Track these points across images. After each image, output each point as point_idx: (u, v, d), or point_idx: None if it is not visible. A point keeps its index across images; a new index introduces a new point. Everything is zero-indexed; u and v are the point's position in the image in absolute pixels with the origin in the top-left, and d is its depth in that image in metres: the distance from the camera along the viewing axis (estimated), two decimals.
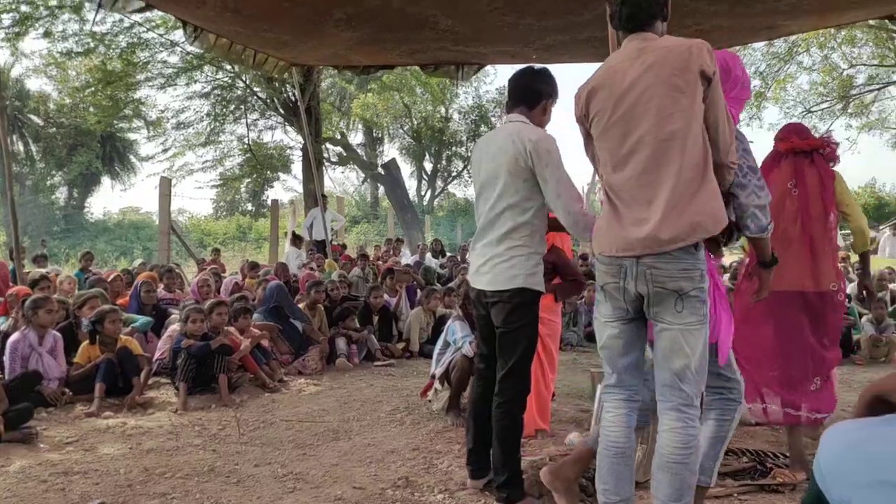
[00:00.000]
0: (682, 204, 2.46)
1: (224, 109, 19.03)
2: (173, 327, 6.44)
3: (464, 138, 33.55)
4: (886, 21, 6.66)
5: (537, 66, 3.48)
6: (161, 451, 4.36)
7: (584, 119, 2.78)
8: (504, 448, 3.29)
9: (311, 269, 10.68)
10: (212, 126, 19.40)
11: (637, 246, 2.52)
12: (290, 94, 15.60)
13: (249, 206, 34.21)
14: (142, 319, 6.88)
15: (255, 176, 23.33)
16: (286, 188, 46.30)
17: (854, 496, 0.99)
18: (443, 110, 32.22)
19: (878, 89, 23.69)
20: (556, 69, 3.90)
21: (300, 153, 18.22)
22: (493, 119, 32.68)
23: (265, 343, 6.64)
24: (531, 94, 3.34)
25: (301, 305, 7.59)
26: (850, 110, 23.63)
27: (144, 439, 4.64)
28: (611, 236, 2.63)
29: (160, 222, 13.60)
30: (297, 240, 13.21)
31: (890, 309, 8.19)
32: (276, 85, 15.46)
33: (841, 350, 7.56)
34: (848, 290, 8.43)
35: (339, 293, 8.19)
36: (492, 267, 3.26)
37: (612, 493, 2.70)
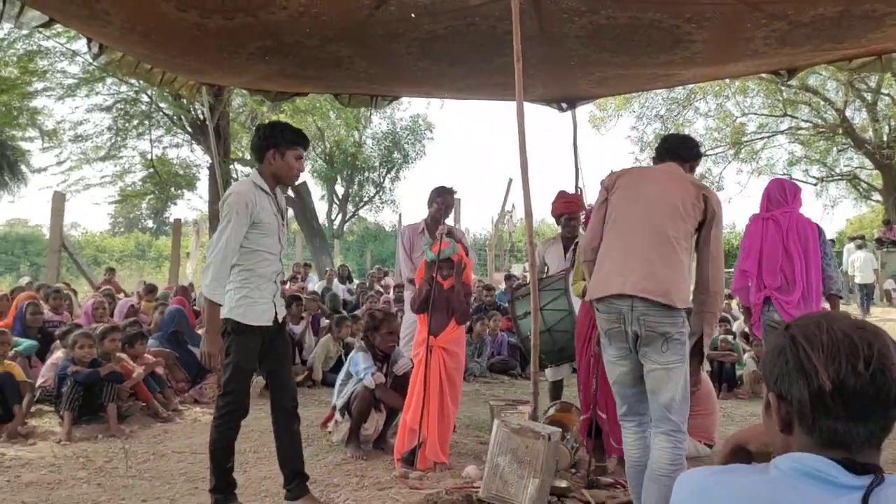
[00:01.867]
0: None
1: (127, 124, 18.33)
2: (58, 353, 6.12)
3: (377, 164, 33.65)
4: (774, 75, 7.17)
5: None
6: (41, 485, 4.12)
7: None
8: (213, 458, 3.64)
9: None
10: (113, 140, 18.63)
11: None
12: (199, 112, 15.25)
13: (150, 224, 32.97)
14: (25, 343, 6.50)
15: (157, 193, 22.51)
16: (191, 207, 44.87)
17: None
18: (356, 135, 32.24)
19: (768, 137, 25.42)
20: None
21: (207, 171, 17.76)
22: (405, 146, 32.98)
23: (160, 370, 6.40)
24: None
25: (202, 331, 7.35)
26: (741, 156, 25.19)
27: (24, 471, 4.38)
28: None
29: (51, 239, 12.91)
30: None
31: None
32: (184, 102, 15.07)
33: (726, 385, 8.07)
34: (733, 328, 8.95)
35: None
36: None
37: (637, 499, 3.19)
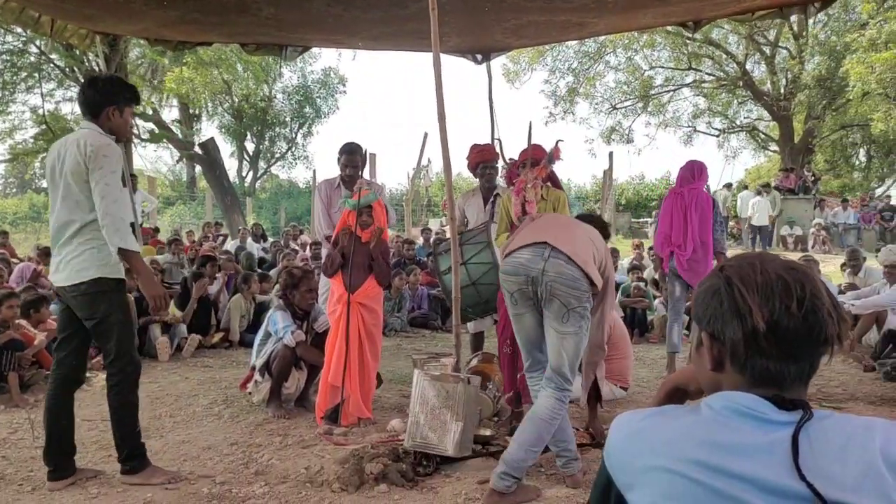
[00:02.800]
0: None
1: (14, 77, 17.10)
2: None
3: (288, 119, 32.70)
4: (681, 28, 7.32)
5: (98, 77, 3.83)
6: None
7: None
8: (122, 426, 3.53)
9: None
10: None
11: None
12: (93, 63, 14.30)
13: (45, 184, 31.13)
14: None
15: None
16: None
17: (635, 481, 1.10)
18: (266, 89, 31.17)
19: (673, 90, 26.16)
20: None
21: None
22: (318, 100, 32.13)
23: None
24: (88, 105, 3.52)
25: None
26: (649, 109, 25.87)
27: None
28: None
29: None
30: None
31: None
32: (77, 53, 14.11)
33: (638, 330, 8.39)
34: (644, 275, 9.27)
35: None
36: (66, 264, 3.44)
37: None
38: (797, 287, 1.07)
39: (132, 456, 3.56)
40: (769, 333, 1.06)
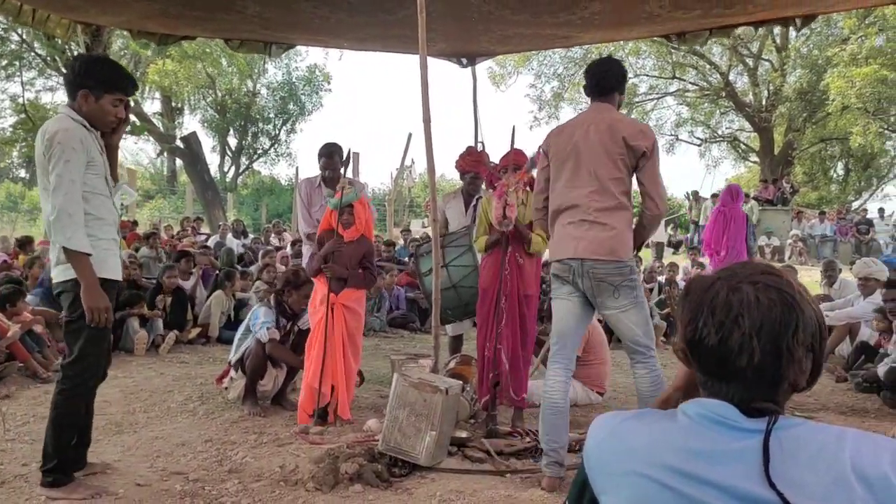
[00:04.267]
0: None
1: None
2: None
3: (272, 115, 32.52)
4: (666, 39, 7.41)
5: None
6: None
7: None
8: (59, 434, 3.24)
9: None
10: None
11: None
12: (75, 53, 14.17)
13: (23, 174, 30.70)
14: None
15: (30, 140, 20.92)
16: None
17: (609, 484, 1.12)
18: (250, 84, 30.99)
19: (657, 99, 26.38)
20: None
21: None
22: (302, 97, 31.99)
23: (39, 329, 6.02)
24: None
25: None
26: (633, 116, 26.05)
27: None
28: None
29: None
30: None
31: (656, 299, 9.17)
32: (59, 43, 13.97)
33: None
34: None
35: (129, 274, 7.59)
36: (55, 259, 3.24)
37: (551, 441, 3.50)
38: (724, 309, 1.07)
39: (57, 469, 3.26)
40: (691, 351, 1.09)
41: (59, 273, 3.22)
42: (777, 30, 19.58)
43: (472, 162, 5.43)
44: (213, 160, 30.11)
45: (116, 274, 3.36)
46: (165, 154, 28.58)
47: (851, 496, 0.99)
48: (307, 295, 4.89)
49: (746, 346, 1.05)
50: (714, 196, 21.02)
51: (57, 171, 3.05)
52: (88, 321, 3.12)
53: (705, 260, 10.23)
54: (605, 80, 3.58)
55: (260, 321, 4.87)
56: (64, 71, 15.76)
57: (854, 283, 7.79)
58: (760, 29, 6.72)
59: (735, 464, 1.03)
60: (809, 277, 11.69)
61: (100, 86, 3.21)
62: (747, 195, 19.48)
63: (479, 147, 6.66)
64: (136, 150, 35.17)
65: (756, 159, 26.81)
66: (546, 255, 3.93)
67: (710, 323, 1.07)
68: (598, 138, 3.42)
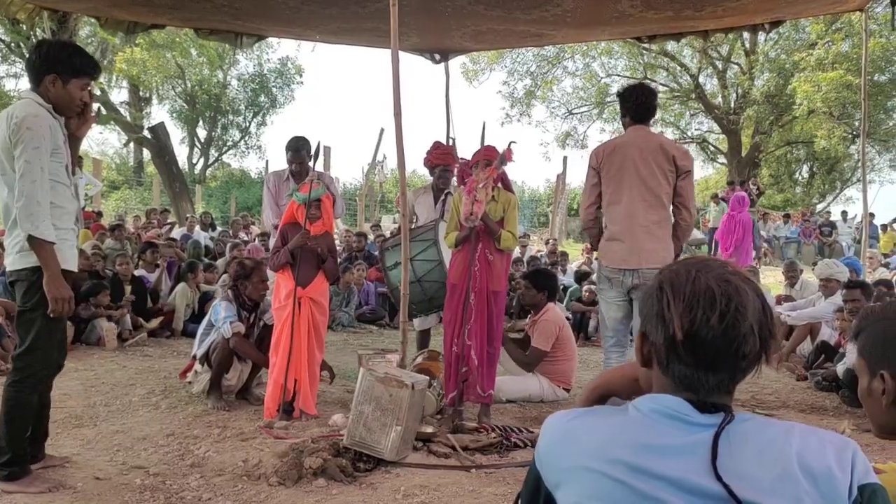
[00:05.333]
0: None
1: None
2: None
3: (242, 107, 32.16)
4: (637, 41, 7.49)
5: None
6: None
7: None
8: (12, 426, 3.18)
9: None
10: None
11: None
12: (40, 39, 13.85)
13: None
14: None
15: None
16: None
17: (562, 479, 1.12)
18: (221, 75, 30.61)
19: None
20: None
21: None
22: (274, 90, 31.68)
23: None
24: None
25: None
26: (604, 116, 26.24)
27: None
28: None
29: None
30: None
31: None
32: (23, 28, 13.62)
33: (583, 334, 8.51)
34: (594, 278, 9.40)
35: (92, 266, 7.45)
36: (11, 248, 3.20)
37: None
38: (723, 300, 1.07)
39: (12, 462, 3.19)
40: (687, 343, 1.08)
41: (16, 261, 3.16)
42: (746, 34, 19.87)
43: (440, 155, 5.43)
44: (181, 152, 29.68)
45: (73, 265, 3.30)
46: (132, 144, 28.08)
47: (797, 489, 1.01)
48: (261, 280, 4.86)
49: (750, 334, 1.07)
50: (715, 197, 21.21)
51: (25, 156, 3.01)
52: (51, 311, 3.08)
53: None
54: (652, 109, 4.22)
55: (222, 316, 4.79)
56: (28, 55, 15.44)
57: (815, 283, 7.96)
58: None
59: (685, 457, 1.04)
60: (774, 278, 11.89)
61: (68, 70, 3.18)
62: (716, 195, 19.91)
63: (450, 142, 6.66)
64: (102, 140, 34.49)
65: (724, 161, 27.19)
66: (516, 253, 3.97)
67: (710, 313, 1.07)
68: (653, 157, 3.99)
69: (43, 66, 3.17)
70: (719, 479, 1.01)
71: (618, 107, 4.34)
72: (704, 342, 1.08)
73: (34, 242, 3.03)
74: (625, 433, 1.09)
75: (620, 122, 4.39)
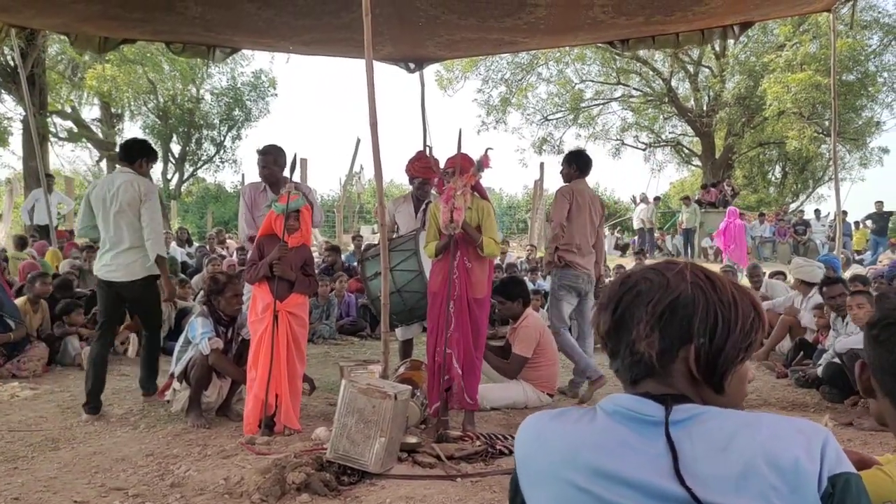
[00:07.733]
0: None
1: None
2: None
3: (216, 121, 31.91)
4: (610, 46, 7.54)
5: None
6: None
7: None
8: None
9: (33, 257, 9.46)
10: None
11: None
12: (10, 58, 13.67)
13: None
14: None
15: None
16: (2, 164, 40.15)
17: (533, 483, 1.11)
18: (194, 90, 30.36)
19: (603, 104, 26.80)
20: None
21: (20, 125, 16.07)
22: (248, 103, 31.49)
23: None
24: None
25: (21, 300, 6.70)
26: (580, 121, 26.42)
27: None
28: None
29: None
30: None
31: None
32: None
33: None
34: None
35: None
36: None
37: None
38: (622, 292, 1.13)
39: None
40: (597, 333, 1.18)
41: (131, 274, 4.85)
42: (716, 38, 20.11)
43: (420, 168, 5.40)
44: (155, 167, 29.34)
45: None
46: (105, 161, 27.76)
47: (762, 485, 0.96)
48: (235, 294, 4.82)
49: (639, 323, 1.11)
50: (686, 199, 21.39)
51: (151, 212, 4.81)
52: (168, 299, 5.42)
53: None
54: (590, 167, 5.75)
55: (199, 332, 4.72)
56: (4, 79, 15.25)
57: (780, 285, 8.13)
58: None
59: (647, 460, 1.01)
60: (746, 280, 11.99)
61: (152, 157, 5.16)
62: (687, 197, 20.22)
63: (427, 151, 6.65)
64: (74, 158, 34.02)
65: (699, 163, 27.47)
66: (497, 260, 3.95)
67: (609, 304, 1.14)
68: (595, 203, 5.70)
69: (140, 153, 5.05)
70: (682, 482, 0.97)
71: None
72: (605, 333, 1.17)
73: (160, 260, 4.87)
74: (591, 439, 1.07)
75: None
